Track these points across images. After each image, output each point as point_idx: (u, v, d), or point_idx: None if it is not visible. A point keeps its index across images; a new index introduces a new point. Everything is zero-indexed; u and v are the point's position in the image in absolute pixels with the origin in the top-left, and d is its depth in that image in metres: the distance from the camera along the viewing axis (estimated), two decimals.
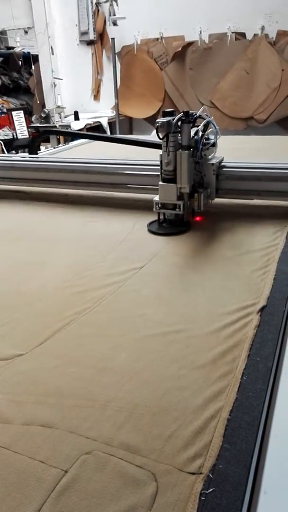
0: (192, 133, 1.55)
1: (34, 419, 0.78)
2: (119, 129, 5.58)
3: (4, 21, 6.31)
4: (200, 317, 1.06)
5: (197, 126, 1.55)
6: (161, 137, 1.49)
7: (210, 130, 1.59)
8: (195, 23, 5.25)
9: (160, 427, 0.74)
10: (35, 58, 6.60)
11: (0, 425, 0.78)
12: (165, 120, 1.46)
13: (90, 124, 5.74)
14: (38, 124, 6.58)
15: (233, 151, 2.10)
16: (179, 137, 1.54)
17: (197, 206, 1.58)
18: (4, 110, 7.84)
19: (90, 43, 5.88)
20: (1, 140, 6.48)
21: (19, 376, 0.90)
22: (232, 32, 5.17)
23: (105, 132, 5.73)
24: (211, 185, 1.63)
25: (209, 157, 1.63)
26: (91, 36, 5.77)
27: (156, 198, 1.58)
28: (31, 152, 2.68)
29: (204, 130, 1.54)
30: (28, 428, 0.76)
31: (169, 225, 1.63)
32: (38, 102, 6.63)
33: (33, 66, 6.77)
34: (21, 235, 1.71)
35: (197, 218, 1.65)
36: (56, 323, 1.06)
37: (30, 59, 6.98)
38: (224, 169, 1.70)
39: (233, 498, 0.61)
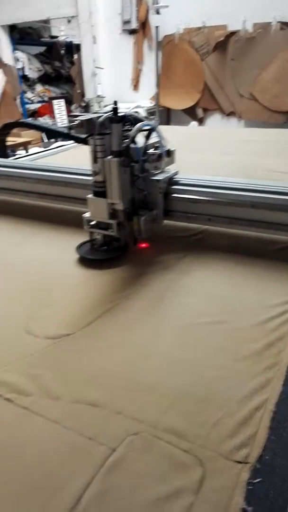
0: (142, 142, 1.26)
1: (81, 398, 0.81)
2: (159, 120, 5.54)
3: (49, 9, 6.37)
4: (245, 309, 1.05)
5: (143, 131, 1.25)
6: (81, 139, 1.25)
7: (155, 138, 1.29)
8: (239, 12, 5.13)
9: (205, 414, 0.75)
10: (77, 47, 6.64)
11: (50, 401, 0.81)
12: (85, 118, 1.16)
13: None
14: (77, 113, 6.64)
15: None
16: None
17: (137, 231, 1.29)
18: (46, 98, 7.98)
19: (132, 32, 5.86)
20: None
21: (66, 355, 0.93)
22: (277, 22, 5.02)
23: None
24: (157, 206, 1.34)
25: (156, 171, 1.34)
26: (134, 25, 5.74)
27: (87, 214, 1.32)
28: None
29: (147, 137, 1.26)
30: (76, 406, 0.79)
31: (104, 247, 1.35)
32: (78, 91, 6.69)
33: (75, 55, 6.82)
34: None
35: (142, 244, 1.36)
36: (102, 306, 1.09)
37: (73, 48, 7.05)
38: (176, 186, 1.38)
39: (280, 490, 0.61)
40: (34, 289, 1.19)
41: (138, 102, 6.00)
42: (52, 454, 0.70)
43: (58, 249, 1.44)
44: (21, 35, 7.71)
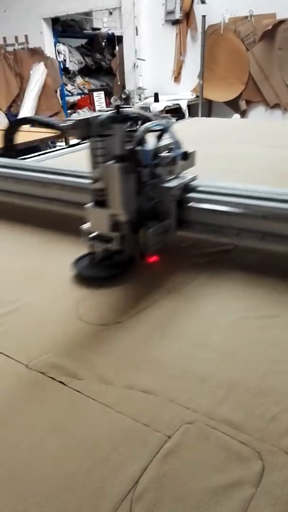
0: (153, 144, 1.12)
1: (134, 384, 0.81)
2: (199, 112, 5.48)
3: (92, 1, 6.40)
4: None
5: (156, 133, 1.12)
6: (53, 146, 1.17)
7: (167, 139, 1.15)
8: None
9: (261, 407, 0.73)
10: (119, 39, 6.65)
11: (103, 386, 0.81)
12: (81, 118, 1.04)
13: (169, 106, 5.70)
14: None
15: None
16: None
17: (144, 245, 1.14)
18: (85, 91, 8.05)
19: (175, 22, 5.79)
20: None
21: (118, 342, 0.93)
22: None
23: (184, 115, 5.66)
24: (169, 216, 1.19)
25: (169, 177, 1.18)
26: (177, 15, 5.67)
27: (86, 226, 1.17)
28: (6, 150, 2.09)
29: (158, 139, 1.13)
30: (130, 392, 0.79)
31: (105, 262, 1.19)
32: (119, 83, 6.70)
33: (116, 47, 6.83)
34: None
35: (150, 259, 1.20)
36: (151, 296, 1.09)
37: (115, 40, 7.06)
38: (192, 193, 1.21)
39: None
40: None
41: (178, 94, 5.95)
42: (107, 437, 0.71)
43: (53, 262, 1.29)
44: (63, 27, 7.79)
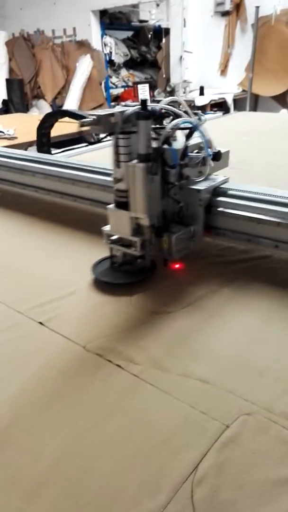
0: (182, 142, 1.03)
1: (190, 373, 0.82)
2: (247, 106, 5.36)
3: None
4: None
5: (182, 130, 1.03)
6: (98, 138, 1.05)
7: (197, 138, 1.05)
8: None
9: None
10: (166, 31, 6.60)
11: (159, 372, 0.83)
12: (103, 113, 0.95)
13: (214, 100, 5.62)
14: (161, 98, 6.63)
15: None
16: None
17: (167, 251, 1.07)
18: (130, 83, 8.07)
19: (224, 14, 5.68)
20: None
21: (172, 330, 0.95)
22: None
23: (228, 109, 5.57)
24: (196, 221, 1.11)
25: (197, 179, 1.10)
26: (227, 6, 5.56)
27: (107, 228, 1.11)
28: (40, 146, 2.02)
29: (188, 137, 1.04)
30: (186, 380, 0.80)
31: (124, 268, 1.13)
32: (163, 76, 6.67)
33: (163, 40, 6.79)
34: None
35: (174, 265, 1.13)
36: (203, 288, 1.09)
37: (161, 33, 7.02)
38: (223, 198, 1.12)
39: None
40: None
41: (224, 87, 5.85)
42: (165, 421, 0.72)
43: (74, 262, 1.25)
44: (111, 20, 7.81)
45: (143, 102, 0.95)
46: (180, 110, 1.03)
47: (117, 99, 8.09)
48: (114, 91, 8.12)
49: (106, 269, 1.15)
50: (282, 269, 1.15)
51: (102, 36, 7.58)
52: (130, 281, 1.11)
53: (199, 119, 1.06)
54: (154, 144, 0.99)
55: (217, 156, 1.10)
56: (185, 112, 1.02)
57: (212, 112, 4.49)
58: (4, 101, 8.03)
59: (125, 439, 0.69)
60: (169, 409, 0.74)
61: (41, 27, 7.96)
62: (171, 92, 6.31)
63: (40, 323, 0.99)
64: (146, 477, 0.62)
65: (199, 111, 1.09)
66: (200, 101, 5.55)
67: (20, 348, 0.92)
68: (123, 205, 1.04)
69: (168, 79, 6.60)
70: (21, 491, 0.62)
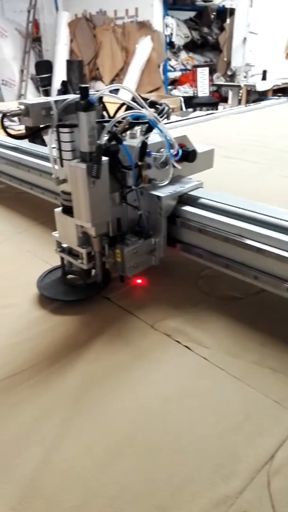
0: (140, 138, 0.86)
1: (261, 361, 0.80)
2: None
3: None
4: None
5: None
6: (27, 132, 0.91)
7: (152, 135, 0.87)
8: None
9: None
10: (230, 12, 6.36)
11: (229, 357, 0.81)
12: (34, 102, 0.80)
13: (277, 85, 5.38)
14: (221, 82, 6.45)
15: None
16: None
17: (120, 266, 0.92)
18: (188, 66, 7.90)
19: None
20: (182, 97, 6.60)
21: (240, 317, 0.93)
22: None
23: None
24: (157, 232, 0.95)
25: (160, 183, 0.94)
26: None
27: (56, 234, 0.97)
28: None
29: (145, 134, 0.86)
30: (257, 368, 0.78)
31: (72, 282, 1.00)
32: (225, 59, 6.46)
33: (227, 20, 6.55)
34: None
35: (135, 281, 0.98)
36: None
37: (224, 13, 6.77)
38: (189, 207, 0.94)
39: None
40: None
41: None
42: (238, 407, 0.71)
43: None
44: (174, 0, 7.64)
45: (83, 89, 0.77)
46: (128, 101, 0.85)
47: (175, 82, 7.96)
48: (172, 75, 7.99)
49: (53, 281, 1.00)
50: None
51: (164, 17, 7.45)
52: (72, 299, 0.95)
53: (161, 112, 0.87)
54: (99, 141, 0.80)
55: (189, 156, 0.94)
56: (141, 103, 0.84)
57: (276, 97, 4.29)
58: (63, 82, 8.15)
59: (197, 420, 0.69)
60: (241, 395, 0.73)
61: (103, 7, 7.94)
62: (232, 76, 6.11)
63: None
64: (220, 460, 0.62)
65: (164, 103, 0.90)
66: (262, 86, 5.34)
67: None
68: (69, 210, 0.88)
69: (229, 63, 6.39)
70: (96, 459, 0.63)
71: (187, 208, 0.95)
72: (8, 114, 0.79)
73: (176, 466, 0.62)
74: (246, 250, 0.85)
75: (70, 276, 0.99)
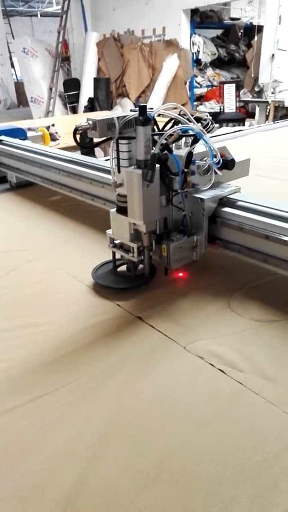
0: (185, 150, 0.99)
1: None
2: None
3: None
4: None
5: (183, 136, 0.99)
6: (90, 143, 1.03)
7: (198, 146, 1.00)
8: None
9: None
10: (258, 29, 6.40)
11: (265, 382, 0.80)
12: (101, 119, 0.93)
13: None
14: (248, 99, 6.47)
15: None
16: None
17: (166, 259, 1.03)
18: (215, 83, 7.96)
19: None
20: (208, 112, 6.64)
21: (277, 340, 0.91)
22: None
23: None
24: (199, 231, 1.06)
25: (203, 187, 1.05)
26: None
27: (110, 231, 1.10)
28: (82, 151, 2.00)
29: (191, 145, 0.99)
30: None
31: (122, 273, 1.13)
32: (252, 75, 6.48)
33: (255, 37, 6.58)
34: None
35: (177, 274, 1.09)
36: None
37: (252, 31, 6.82)
38: (229, 208, 1.06)
39: None
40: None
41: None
42: (275, 434, 0.69)
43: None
44: (201, 18, 7.75)
45: (142, 108, 0.91)
46: (180, 117, 0.99)
47: (201, 98, 8.03)
48: (198, 91, 8.06)
49: (106, 272, 1.16)
50: None
51: (191, 35, 7.56)
52: (123, 287, 1.10)
53: (206, 125, 1.00)
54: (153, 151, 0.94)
55: (228, 164, 1.06)
56: (189, 119, 0.99)
57: None
58: (90, 99, 8.34)
59: (233, 447, 0.68)
60: (278, 422, 0.71)
61: (131, 27, 8.13)
62: (259, 92, 6.12)
63: None
64: (258, 491, 0.60)
65: (208, 118, 1.02)
66: None
67: None
68: (123, 210, 1.02)
69: (256, 79, 6.40)
70: (132, 483, 0.62)
71: (227, 209, 1.06)
72: (79, 128, 0.94)
73: (213, 494, 0.60)
74: (283, 246, 0.94)
75: (119, 269, 1.16)
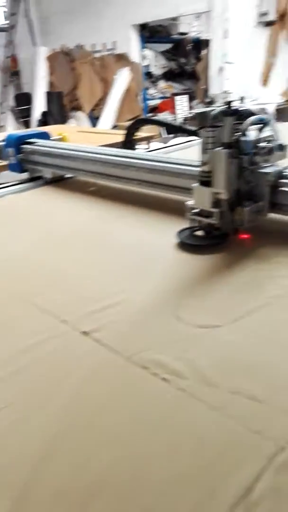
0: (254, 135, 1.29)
1: (241, 389, 0.76)
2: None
3: (182, 6, 6.45)
4: None
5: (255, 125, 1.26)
6: (193, 131, 1.34)
7: (268, 131, 1.29)
8: None
9: None
10: (206, 43, 6.62)
11: (207, 387, 0.78)
12: (199, 111, 1.25)
13: None
14: (200, 109, 6.62)
15: None
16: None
17: (239, 221, 1.31)
18: (167, 94, 8.13)
19: (268, 24, 5.63)
20: None
21: (221, 345, 0.89)
22: None
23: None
24: (263, 198, 1.35)
25: (266, 164, 1.34)
26: (271, 16, 5.51)
27: (190, 202, 1.38)
28: (125, 145, 2.45)
29: (260, 131, 1.28)
30: (236, 397, 0.75)
31: (204, 235, 1.38)
32: (202, 87, 6.67)
33: (203, 51, 6.81)
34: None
35: (243, 236, 1.37)
36: (252, 303, 1.04)
37: (200, 44, 7.05)
38: (286, 180, 1.37)
39: None
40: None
41: (265, 98, 5.77)
42: (215, 440, 0.66)
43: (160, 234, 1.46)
44: (151, 33, 7.94)
45: (229, 103, 1.19)
46: (254, 109, 1.23)
47: (154, 110, 8.17)
48: (152, 102, 8.21)
49: (187, 236, 1.39)
50: None
51: (141, 49, 7.71)
52: (211, 243, 1.34)
53: (271, 116, 1.28)
54: (234, 136, 1.21)
55: (281, 147, 1.31)
56: (259, 110, 1.24)
57: None
58: (43, 113, 8.30)
59: (173, 457, 0.65)
60: (219, 427, 0.68)
61: (81, 42, 8.20)
62: (210, 103, 6.29)
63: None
64: (198, 500, 0.58)
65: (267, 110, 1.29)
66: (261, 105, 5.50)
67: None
68: (206, 183, 1.29)
69: (206, 90, 6.60)
70: (69, 502, 0.59)
71: (283, 181, 1.30)
72: (191, 118, 1.22)
73: (152, 507, 0.58)
74: None
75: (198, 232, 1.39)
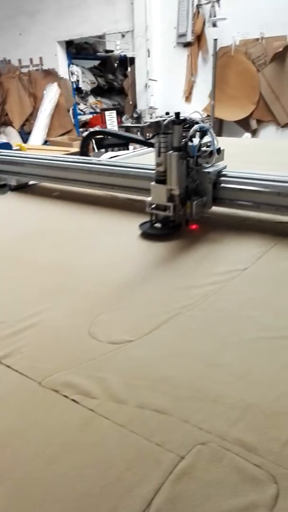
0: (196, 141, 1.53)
1: (147, 404, 0.81)
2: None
3: (106, 25, 6.59)
4: None
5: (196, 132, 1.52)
6: (147, 137, 1.54)
7: (206, 138, 1.56)
8: None
9: (276, 430, 0.73)
10: (131, 60, 6.80)
11: (116, 405, 0.82)
12: (153, 121, 1.48)
13: None
14: (128, 124, 6.77)
15: None
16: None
17: (189, 213, 1.57)
18: (97, 110, 8.21)
19: (186, 45, 5.92)
20: (93, 138, 6.78)
21: (131, 361, 0.94)
22: None
23: None
24: (207, 194, 1.60)
25: (207, 165, 1.59)
26: (189, 38, 5.80)
27: (149, 199, 1.61)
28: (82, 154, 2.76)
29: (201, 137, 1.53)
30: (142, 411, 0.79)
31: (161, 226, 1.65)
32: (130, 102, 6.83)
33: (128, 68, 6.98)
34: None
35: (192, 226, 1.63)
36: (162, 315, 1.09)
37: (127, 62, 7.22)
38: (224, 178, 1.64)
39: None
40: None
41: (189, 113, 6.02)
42: (120, 457, 0.71)
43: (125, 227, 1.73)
44: (77, 50, 8.00)
45: (177, 114, 1.46)
46: (197, 119, 1.53)
47: (86, 124, 8.19)
48: (83, 118, 8.23)
49: (147, 227, 1.65)
50: None
51: (68, 65, 7.73)
52: (166, 233, 1.60)
53: (209, 125, 1.58)
54: (182, 141, 1.48)
55: (219, 151, 1.60)
56: (202, 121, 1.54)
57: None
58: None
59: (78, 479, 0.67)
60: (124, 444, 0.73)
61: (7, 56, 8.06)
62: (138, 118, 6.45)
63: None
64: None
65: (208, 121, 1.54)
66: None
67: None
68: (161, 181, 1.55)
69: (135, 106, 6.76)
70: None
71: (222, 178, 1.63)
72: (143, 127, 1.47)
73: None
74: (268, 195, 1.54)
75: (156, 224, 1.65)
